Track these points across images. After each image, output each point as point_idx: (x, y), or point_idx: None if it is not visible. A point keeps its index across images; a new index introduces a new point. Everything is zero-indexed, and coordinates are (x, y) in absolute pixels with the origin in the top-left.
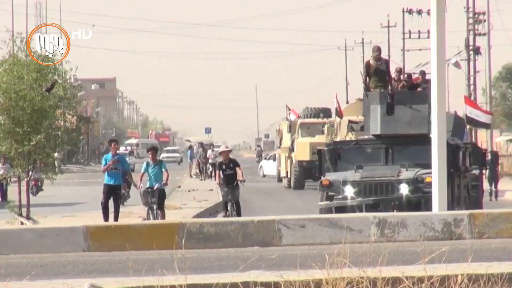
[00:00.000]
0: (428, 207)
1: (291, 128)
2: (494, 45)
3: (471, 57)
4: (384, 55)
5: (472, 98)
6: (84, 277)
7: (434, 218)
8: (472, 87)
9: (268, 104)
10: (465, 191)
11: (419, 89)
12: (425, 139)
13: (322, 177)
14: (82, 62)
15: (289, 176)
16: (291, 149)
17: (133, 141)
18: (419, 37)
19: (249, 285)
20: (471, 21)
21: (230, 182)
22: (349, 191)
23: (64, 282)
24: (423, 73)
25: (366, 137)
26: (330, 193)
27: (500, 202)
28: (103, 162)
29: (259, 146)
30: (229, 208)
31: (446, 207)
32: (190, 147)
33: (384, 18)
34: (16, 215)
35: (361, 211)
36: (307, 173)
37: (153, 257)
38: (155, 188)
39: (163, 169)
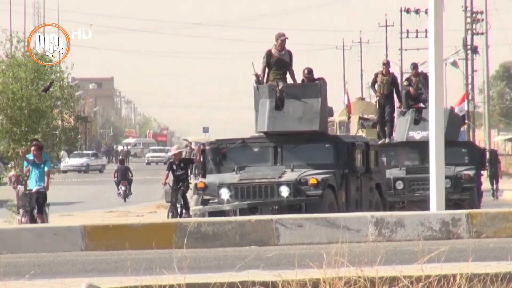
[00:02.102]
0: (313, 211)
1: None
2: (492, 45)
3: (469, 56)
4: (382, 54)
5: (470, 97)
6: (81, 277)
7: (432, 217)
8: (470, 86)
9: None
10: (371, 194)
11: (404, 82)
12: (318, 137)
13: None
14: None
15: None
16: None
17: (131, 140)
18: (416, 37)
19: (247, 285)
20: (469, 20)
21: (178, 182)
22: (225, 194)
23: (62, 282)
24: (415, 66)
25: (256, 134)
26: (205, 197)
27: (498, 202)
28: (25, 164)
29: None
30: (178, 210)
31: (443, 207)
32: (186, 146)
33: (382, 18)
34: (14, 214)
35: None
36: None
37: (151, 257)
38: (34, 190)
39: (45, 170)
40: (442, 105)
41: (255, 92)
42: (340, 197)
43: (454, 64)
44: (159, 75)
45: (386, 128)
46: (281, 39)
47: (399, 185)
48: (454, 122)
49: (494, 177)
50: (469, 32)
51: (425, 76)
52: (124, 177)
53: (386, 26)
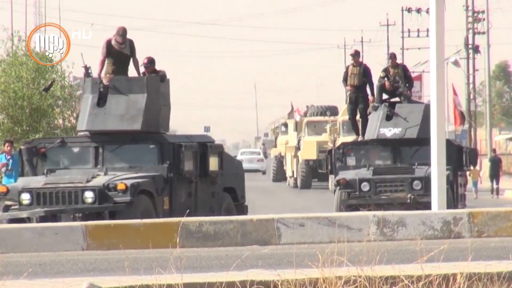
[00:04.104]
0: (122, 218)
1: (297, 127)
2: (494, 44)
3: (470, 55)
4: (384, 53)
5: (471, 96)
6: (83, 276)
7: (433, 217)
8: (471, 85)
9: (268, 103)
10: (213, 200)
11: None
12: (141, 137)
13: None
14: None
15: (295, 176)
16: (297, 148)
17: None
18: (418, 36)
19: (247, 284)
20: (470, 19)
21: None
22: (26, 200)
23: (63, 281)
24: (392, 56)
25: (82, 133)
26: (8, 203)
27: (499, 201)
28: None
29: (264, 145)
30: None
31: (445, 206)
32: None
33: (383, 17)
34: None
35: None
36: (314, 172)
37: (152, 256)
38: None
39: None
40: (444, 104)
41: (82, 86)
42: (161, 204)
43: (456, 63)
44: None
45: (359, 125)
46: (121, 32)
47: (365, 186)
48: (429, 119)
49: (495, 176)
50: (471, 31)
51: (404, 68)
52: None
53: (388, 25)
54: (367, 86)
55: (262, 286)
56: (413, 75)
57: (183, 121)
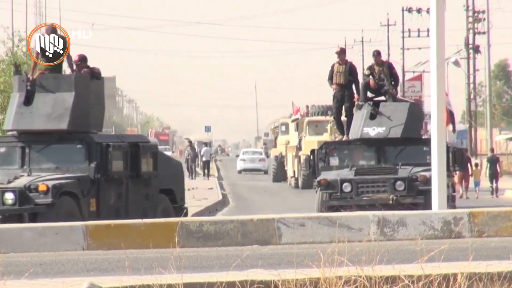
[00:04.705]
0: (43, 221)
1: (298, 127)
2: (494, 44)
3: (471, 55)
4: (384, 53)
5: (472, 96)
6: (83, 276)
7: (434, 216)
8: (472, 85)
9: (268, 103)
10: (148, 202)
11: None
12: (68, 137)
13: None
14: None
15: (296, 176)
16: (299, 148)
17: None
18: (418, 36)
19: (247, 284)
20: (470, 19)
21: None
22: None
23: (64, 281)
24: (377, 53)
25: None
26: None
27: (500, 201)
28: None
29: (265, 144)
30: None
31: (445, 206)
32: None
33: (384, 17)
34: None
35: None
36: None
37: (152, 256)
38: None
39: None
40: (444, 104)
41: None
42: (87, 205)
43: (456, 63)
44: (161, 74)
45: (344, 124)
46: (50, 31)
47: (346, 187)
48: (415, 117)
49: (494, 176)
50: (471, 31)
51: (389, 65)
52: None
53: (388, 25)
54: (353, 84)
55: (263, 286)
56: (413, 75)
57: (183, 121)
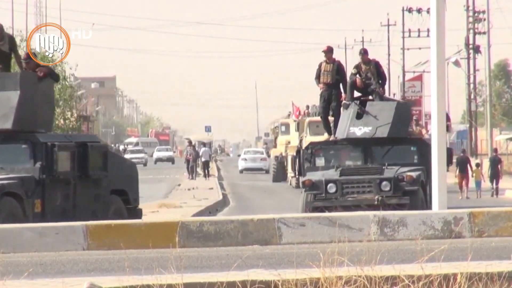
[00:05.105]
0: None
1: (299, 127)
2: (494, 44)
3: (471, 55)
4: (384, 53)
5: (472, 96)
6: (83, 276)
7: (434, 216)
8: (472, 85)
9: (268, 103)
10: (97, 203)
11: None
12: (13, 137)
13: None
14: (82, 61)
15: (297, 176)
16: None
17: (133, 140)
18: (419, 36)
19: (247, 284)
20: (471, 19)
21: None
22: None
23: (64, 281)
24: (363, 52)
25: None
26: None
27: (500, 201)
28: None
29: (266, 144)
30: None
31: (446, 206)
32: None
33: (384, 17)
34: None
35: None
36: None
37: (152, 256)
38: None
39: None
40: (445, 104)
41: None
42: (31, 207)
43: (456, 63)
44: (161, 74)
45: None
46: None
47: (331, 188)
48: (401, 117)
49: (495, 176)
50: (471, 31)
51: (376, 64)
52: None
53: (388, 25)
54: (341, 84)
55: (263, 286)
56: (413, 75)
57: (183, 121)
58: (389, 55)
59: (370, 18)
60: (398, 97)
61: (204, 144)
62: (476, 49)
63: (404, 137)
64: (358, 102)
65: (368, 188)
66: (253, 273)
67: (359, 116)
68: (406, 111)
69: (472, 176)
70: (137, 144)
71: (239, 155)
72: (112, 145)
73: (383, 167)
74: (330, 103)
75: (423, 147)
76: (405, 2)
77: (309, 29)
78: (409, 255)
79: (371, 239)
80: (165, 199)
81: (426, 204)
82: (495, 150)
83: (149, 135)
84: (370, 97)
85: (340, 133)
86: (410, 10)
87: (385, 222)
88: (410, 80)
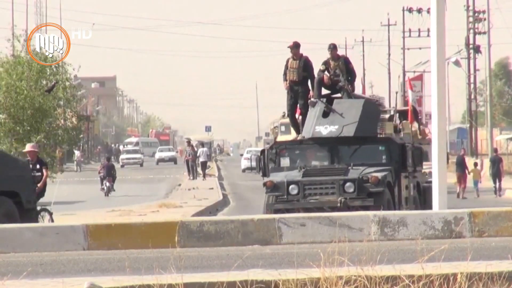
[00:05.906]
0: None
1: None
2: (494, 44)
3: (471, 55)
4: (385, 53)
5: (472, 96)
6: (84, 276)
7: (434, 216)
8: (472, 85)
9: (269, 103)
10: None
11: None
12: None
13: None
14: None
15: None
16: None
17: (133, 139)
18: (419, 36)
19: (248, 284)
20: (471, 19)
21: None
22: None
23: (64, 281)
24: (332, 47)
25: None
26: None
27: (500, 200)
28: None
29: (268, 144)
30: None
31: (446, 206)
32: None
33: (384, 17)
34: None
35: None
36: None
37: (153, 256)
38: None
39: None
40: (445, 104)
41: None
42: None
43: (457, 63)
44: (161, 74)
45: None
46: None
47: (293, 189)
48: (370, 115)
49: (497, 175)
50: (471, 31)
51: (346, 60)
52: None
53: (389, 25)
54: (309, 80)
55: (263, 286)
56: (413, 75)
57: (183, 121)
58: (389, 55)
59: (371, 18)
60: (399, 96)
61: (202, 144)
62: (476, 49)
63: (372, 136)
64: (324, 99)
65: (331, 189)
66: (254, 273)
67: (325, 114)
68: (374, 109)
69: (469, 173)
70: (137, 144)
71: (241, 155)
72: (112, 145)
73: (349, 168)
74: (297, 101)
75: (392, 146)
76: (405, 2)
77: (310, 29)
78: (409, 255)
79: (371, 239)
80: (165, 199)
81: (394, 205)
82: (496, 150)
83: (149, 135)
84: (339, 95)
85: (306, 132)
86: (410, 10)
87: (386, 222)
88: (410, 80)
